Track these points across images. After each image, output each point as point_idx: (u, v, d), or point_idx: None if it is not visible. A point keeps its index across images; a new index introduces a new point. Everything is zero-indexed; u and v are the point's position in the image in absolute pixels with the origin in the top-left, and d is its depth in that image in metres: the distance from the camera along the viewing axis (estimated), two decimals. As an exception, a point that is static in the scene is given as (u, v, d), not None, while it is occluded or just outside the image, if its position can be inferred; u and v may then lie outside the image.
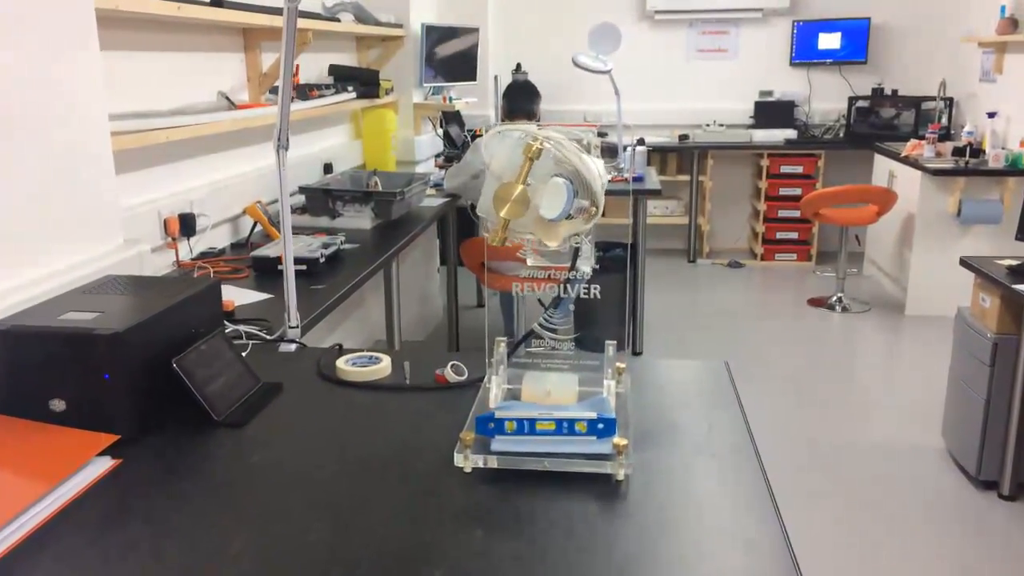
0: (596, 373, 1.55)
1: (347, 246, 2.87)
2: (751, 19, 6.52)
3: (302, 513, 1.20)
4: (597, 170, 1.39)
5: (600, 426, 1.32)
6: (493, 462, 1.31)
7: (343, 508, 1.21)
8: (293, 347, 1.86)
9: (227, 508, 1.21)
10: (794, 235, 6.44)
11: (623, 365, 1.60)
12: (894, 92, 6.33)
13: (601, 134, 6.34)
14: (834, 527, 2.96)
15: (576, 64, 4.25)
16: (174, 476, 1.31)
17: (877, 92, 6.35)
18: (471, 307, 5.35)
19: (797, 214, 6.27)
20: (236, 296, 2.25)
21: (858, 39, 6.37)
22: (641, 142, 4.94)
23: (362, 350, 1.81)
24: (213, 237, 2.86)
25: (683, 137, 6.44)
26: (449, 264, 4.43)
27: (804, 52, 6.51)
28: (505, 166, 1.39)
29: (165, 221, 2.48)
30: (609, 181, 4.39)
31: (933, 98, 5.94)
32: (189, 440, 1.42)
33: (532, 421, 1.33)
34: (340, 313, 3.98)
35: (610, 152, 5.10)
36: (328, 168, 3.79)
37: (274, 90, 3.22)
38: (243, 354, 1.69)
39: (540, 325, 1.54)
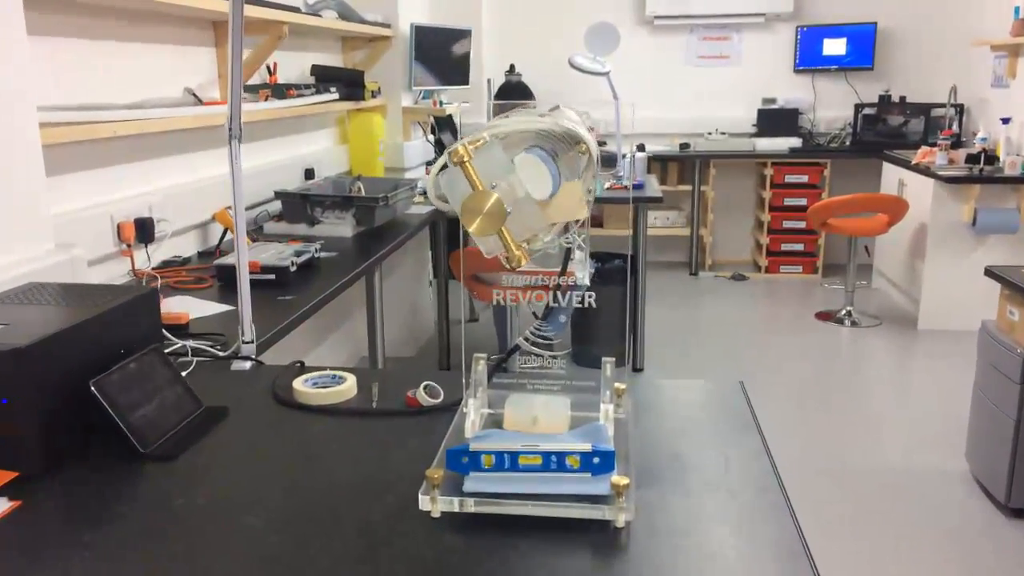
0: (592, 395, 1.33)
1: (324, 254, 2.65)
2: (753, 24, 6.33)
3: (232, 571, 0.97)
4: (561, 117, 1.16)
5: (596, 460, 1.10)
6: (466, 505, 1.08)
7: (282, 564, 0.99)
8: (248, 365, 1.64)
9: (143, 562, 0.99)
10: (799, 247, 6.22)
11: (623, 386, 1.38)
12: (902, 99, 6.13)
13: (600, 143, 6.14)
14: (852, 556, 2.72)
15: (572, 66, 4.05)
16: (83, 522, 1.08)
17: (884, 99, 6.15)
18: (464, 321, 5.12)
19: (802, 225, 6.07)
20: (194, 308, 2.03)
21: (864, 44, 6.18)
22: (641, 148, 4.72)
23: (326, 368, 1.59)
24: (179, 245, 2.64)
25: (684, 146, 6.24)
26: (439, 276, 4.21)
27: (808, 58, 6.31)
28: (463, 191, 1.17)
29: (119, 226, 2.26)
30: (607, 189, 4.13)
31: (943, 105, 5.75)
32: (106, 477, 1.19)
33: (514, 455, 1.11)
34: (323, 328, 3.75)
35: (609, 161, 4.90)
36: (310, 174, 3.58)
37: (249, 88, 3.01)
38: (184, 373, 1.46)
39: (527, 339, 1.32)
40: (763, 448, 1.31)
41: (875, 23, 6.12)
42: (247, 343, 1.64)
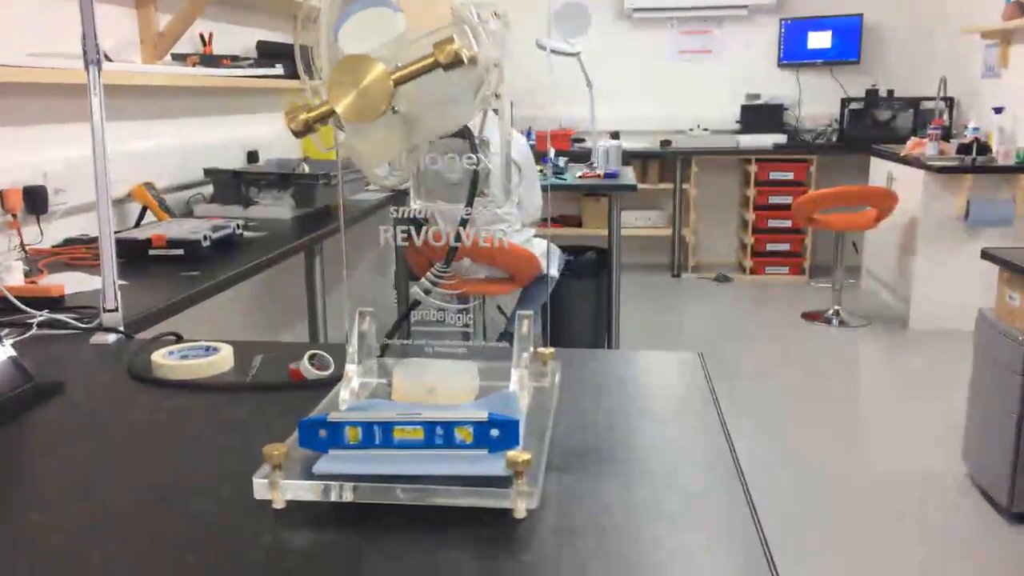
0: (509, 363, 1.06)
1: (253, 234, 2.39)
2: (735, 17, 6.12)
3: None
4: None
5: (494, 433, 0.83)
6: (318, 491, 0.81)
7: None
8: (112, 338, 1.37)
9: None
10: (785, 247, 5.98)
11: (550, 350, 1.11)
12: (890, 93, 5.92)
13: (578, 140, 5.89)
14: (845, 567, 2.46)
15: (541, 47, 3.80)
16: None
17: (871, 93, 5.93)
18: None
19: (788, 224, 5.84)
20: (79, 283, 1.76)
21: (850, 37, 5.97)
22: (615, 136, 4.48)
23: (200, 340, 1.32)
24: (88, 222, 2.37)
25: (665, 143, 6.00)
26: (397, 268, 3.95)
27: (793, 52, 6.10)
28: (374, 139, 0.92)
29: (2, 193, 1.99)
30: (579, 177, 3.84)
31: (932, 98, 5.53)
32: None
33: (387, 426, 0.84)
34: (272, 325, 3.48)
35: (585, 157, 4.66)
36: (253, 156, 3.32)
37: (176, 56, 2.75)
38: (13, 342, 1.20)
39: (425, 289, 1.06)
40: (720, 429, 1.05)
41: (861, 15, 5.92)
42: (109, 311, 1.37)
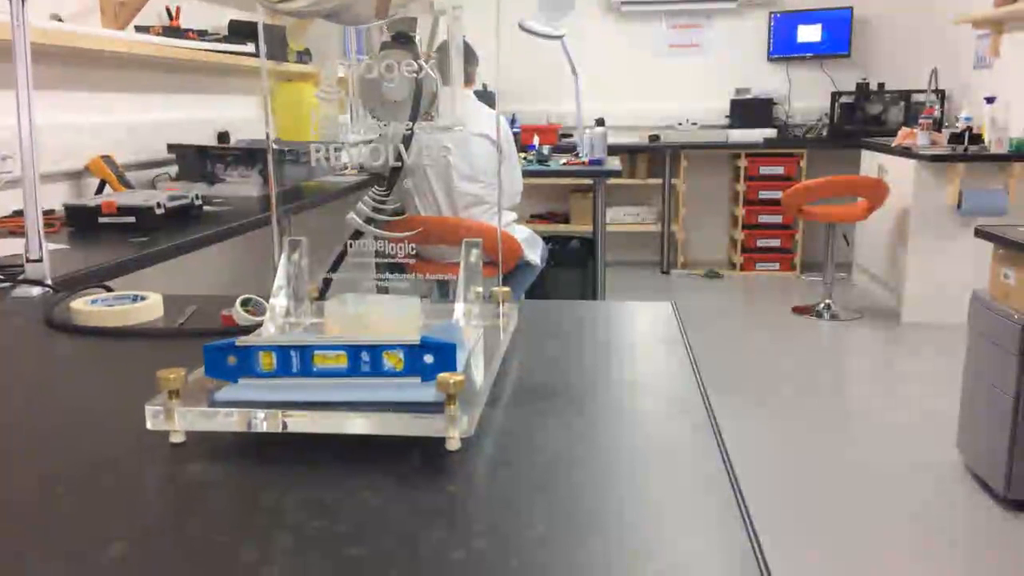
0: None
1: (215, 208, 2.28)
2: (725, 10, 6.04)
3: None
4: None
5: (428, 359, 0.73)
6: (219, 420, 0.71)
7: None
8: (36, 291, 1.26)
9: None
10: (776, 242, 5.89)
11: (505, 289, 1.01)
12: (880, 86, 5.84)
13: (565, 135, 5.80)
14: (839, 559, 2.35)
15: (524, 29, 3.72)
16: None
17: (862, 87, 5.86)
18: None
19: (779, 220, 5.76)
20: (15, 247, 1.65)
21: (840, 31, 5.90)
22: (600, 123, 4.39)
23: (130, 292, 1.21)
24: (43, 195, 2.26)
25: (654, 137, 5.91)
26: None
27: (782, 46, 6.02)
28: None
29: (-60, 155, 1.89)
30: (563, 165, 3.73)
31: (923, 91, 5.45)
32: None
33: (306, 351, 0.74)
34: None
35: (571, 149, 4.58)
36: (224, 138, 3.21)
37: (140, 28, 2.64)
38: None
39: (361, 213, 0.95)
40: (691, 372, 0.94)
41: (851, 8, 5.85)
42: (34, 261, 1.27)
